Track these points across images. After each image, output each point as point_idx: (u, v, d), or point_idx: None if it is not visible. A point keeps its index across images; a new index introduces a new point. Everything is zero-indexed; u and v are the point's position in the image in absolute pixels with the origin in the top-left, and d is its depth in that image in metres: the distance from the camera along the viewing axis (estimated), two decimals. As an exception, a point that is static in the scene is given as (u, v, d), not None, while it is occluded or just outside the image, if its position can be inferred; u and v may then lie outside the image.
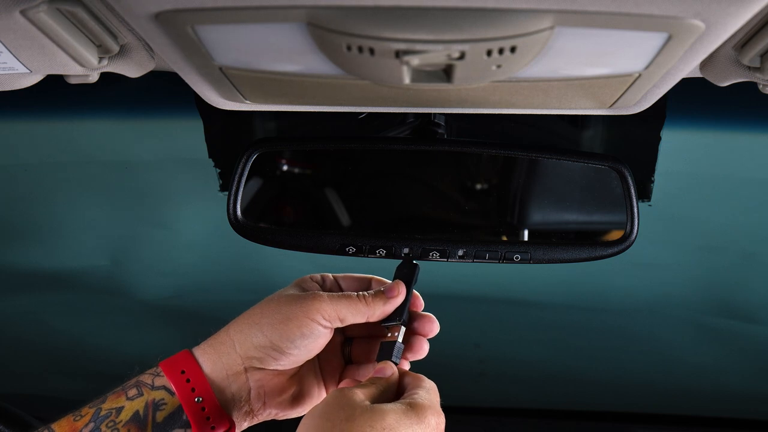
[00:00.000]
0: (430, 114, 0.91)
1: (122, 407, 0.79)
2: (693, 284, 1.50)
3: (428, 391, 0.76)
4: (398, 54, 0.51)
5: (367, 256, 0.88)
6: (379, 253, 0.88)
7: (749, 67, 0.65)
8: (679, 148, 1.20)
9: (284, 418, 0.86)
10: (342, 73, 0.59)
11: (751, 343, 1.63)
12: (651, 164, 1.22)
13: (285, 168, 0.95)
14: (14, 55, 0.64)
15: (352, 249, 0.88)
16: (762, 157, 1.24)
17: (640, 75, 0.62)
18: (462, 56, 0.52)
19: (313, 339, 0.81)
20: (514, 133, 1.14)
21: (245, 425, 0.84)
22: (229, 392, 0.81)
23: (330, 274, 0.89)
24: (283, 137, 1.12)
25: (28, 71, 0.68)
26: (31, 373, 1.93)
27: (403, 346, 0.84)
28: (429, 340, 0.87)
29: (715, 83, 0.71)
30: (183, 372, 0.80)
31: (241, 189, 0.89)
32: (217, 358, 0.81)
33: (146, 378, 0.81)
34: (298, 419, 0.75)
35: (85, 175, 1.39)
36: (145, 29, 0.55)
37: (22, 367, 1.91)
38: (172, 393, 0.80)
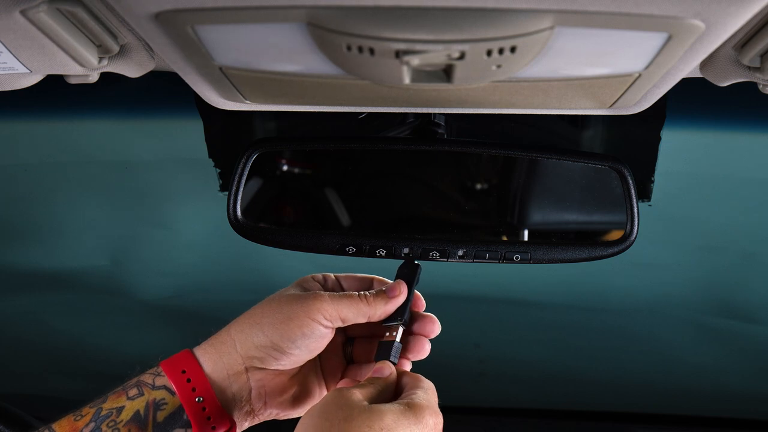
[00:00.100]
0: (430, 114, 0.91)
1: (123, 407, 0.79)
2: (693, 284, 1.50)
3: (426, 391, 0.76)
4: (398, 54, 0.51)
5: (367, 256, 0.88)
6: (379, 253, 0.88)
7: (749, 67, 0.64)
8: (679, 148, 1.20)
9: (285, 417, 0.86)
10: (342, 73, 0.59)
11: (751, 343, 1.63)
12: (651, 164, 1.22)
13: (285, 168, 0.95)
14: (14, 55, 0.64)
15: (352, 249, 0.88)
16: (762, 157, 1.24)
17: (640, 75, 0.62)
18: (462, 56, 0.52)
19: (315, 339, 0.81)
20: (514, 133, 1.14)
21: (246, 425, 0.84)
22: (230, 392, 0.81)
23: (332, 274, 0.89)
24: (283, 137, 1.12)
25: (28, 71, 0.68)
26: (31, 373, 1.92)
27: (401, 345, 0.84)
28: (429, 340, 0.87)
29: (715, 83, 0.71)
30: (184, 372, 0.80)
31: (241, 189, 0.89)
32: (218, 358, 0.81)
33: (147, 378, 0.81)
34: (298, 419, 0.75)
35: (85, 175, 1.39)
36: (145, 29, 0.55)
37: (22, 367, 1.91)
38: (172, 393, 0.80)
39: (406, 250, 0.88)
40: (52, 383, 1.92)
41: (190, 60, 0.62)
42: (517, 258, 0.87)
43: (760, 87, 0.70)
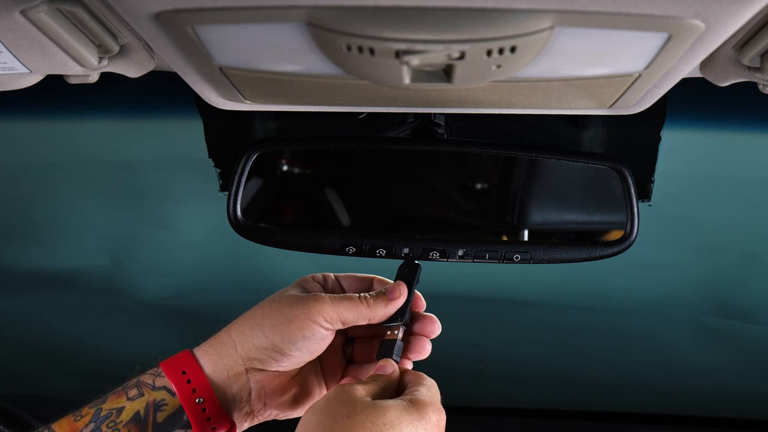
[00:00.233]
0: (430, 114, 0.91)
1: (123, 407, 0.79)
2: (693, 284, 1.50)
3: (429, 389, 0.76)
4: (398, 54, 0.51)
5: (367, 256, 0.88)
6: (379, 253, 0.88)
7: (749, 67, 0.64)
8: (679, 148, 1.20)
9: (285, 418, 0.86)
10: (342, 73, 0.59)
11: (751, 343, 1.63)
12: (651, 164, 1.22)
13: (285, 168, 0.95)
14: (14, 55, 0.64)
15: (352, 249, 0.88)
16: (762, 157, 1.24)
17: (640, 75, 0.62)
18: (462, 56, 0.52)
19: (315, 341, 0.81)
20: (514, 133, 1.14)
21: (246, 426, 0.84)
22: (230, 393, 0.81)
23: (332, 274, 0.89)
24: (283, 137, 1.12)
25: (28, 71, 0.68)
26: (31, 373, 1.92)
27: (402, 344, 0.84)
28: (429, 340, 0.87)
29: (715, 83, 0.71)
30: (184, 372, 0.80)
31: (241, 189, 0.89)
32: (219, 359, 0.81)
33: (147, 378, 0.81)
34: (299, 419, 0.75)
35: (85, 175, 1.39)
36: (145, 29, 0.55)
37: (22, 367, 1.91)
38: (173, 393, 0.80)
39: (406, 250, 0.88)
40: (52, 383, 1.92)
41: (190, 60, 0.62)
42: (517, 258, 0.87)
43: (760, 87, 0.70)
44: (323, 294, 0.82)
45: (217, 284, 1.60)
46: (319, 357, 0.87)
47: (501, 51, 0.52)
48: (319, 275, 0.88)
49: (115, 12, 0.59)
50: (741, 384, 1.73)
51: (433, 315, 0.87)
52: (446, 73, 0.56)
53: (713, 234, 1.38)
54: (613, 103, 0.73)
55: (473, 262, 0.88)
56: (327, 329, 0.81)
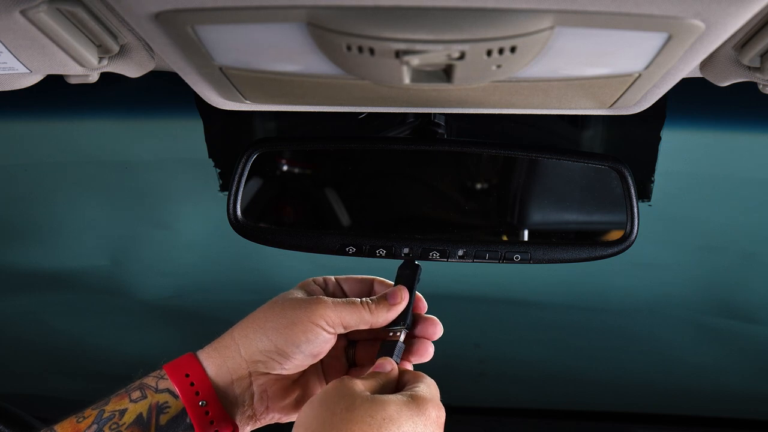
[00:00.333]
0: (430, 114, 0.91)
1: (125, 409, 0.79)
2: (693, 284, 1.50)
3: (429, 386, 0.76)
4: (398, 54, 0.51)
5: (367, 257, 0.88)
6: (379, 253, 0.88)
7: (749, 67, 0.64)
8: (679, 148, 1.20)
9: (287, 421, 0.86)
10: (342, 73, 0.59)
11: (751, 343, 1.63)
12: (651, 164, 1.22)
13: (285, 168, 0.95)
14: (14, 55, 0.64)
15: (352, 249, 0.88)
16: (762, 157, 1.24)
17: (640, 75, 0.62)
18: (462, 56, 0.52)
19: (318, 344, 0.81)
20: (514, 133, 1.14)
21: (248, 429, 0.84)
22: (233, 396, 0.81)
23: (332, 277, 0.89)
24: (283, 137, 1.12)
25: (28, 71, 0.68)
26: (31, 373, 1.92)
27: (404, 345, 0.84)
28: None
29: (715, 83, 0.71)
30: (187, 375, 0.80)
31: (241, 189, 0.89)
32: (222, 362, 0.81)
33: (150, 380, 0.81)
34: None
35: (85, 175, 1.39)
36: (145, 29, 0.55)
37: (22, 367, 1.91)
38: (176, 396, 0.80)
39: (406, 250, 0.88)
40: (52, 383, 1.92)
41: (190, 60, 0.62)
42: (517, 258, 0.87)
43: (760, 87, 0.70)
44: (325, 297, 0.82)
45: (217, 284, 1.60)
46: (321, 360, 0.87)
47: (501, 51, 0.52)
48: (320, 279, 0.88)
49: (115, 12, 0.59)
50: (741, 384, 1.73)
51: (435, 317, 0.87)
52: (446, 73, 0.56)
53: (713, 234, 1.38)
54: (613, 103, 0.73)
55: (473, 262, 0.88)
56: (329, 333, 0.81)
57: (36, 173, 1.39)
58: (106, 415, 0.78)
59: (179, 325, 1.72)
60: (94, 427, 0.78)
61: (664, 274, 1.48)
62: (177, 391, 0.80)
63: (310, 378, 0.87)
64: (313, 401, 0.72)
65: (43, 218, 1.47)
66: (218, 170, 1.29)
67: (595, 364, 1.77)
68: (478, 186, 0.93)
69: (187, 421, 0.79)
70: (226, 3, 0.50)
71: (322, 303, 0.81)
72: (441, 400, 0.77)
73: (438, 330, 0.86)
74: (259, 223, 0.92)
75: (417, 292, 0.87)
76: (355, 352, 0.90)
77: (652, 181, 1.24)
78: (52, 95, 1.23)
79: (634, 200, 0.87)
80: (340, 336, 0.86)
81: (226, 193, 0.92)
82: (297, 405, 0.85)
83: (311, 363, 0.83)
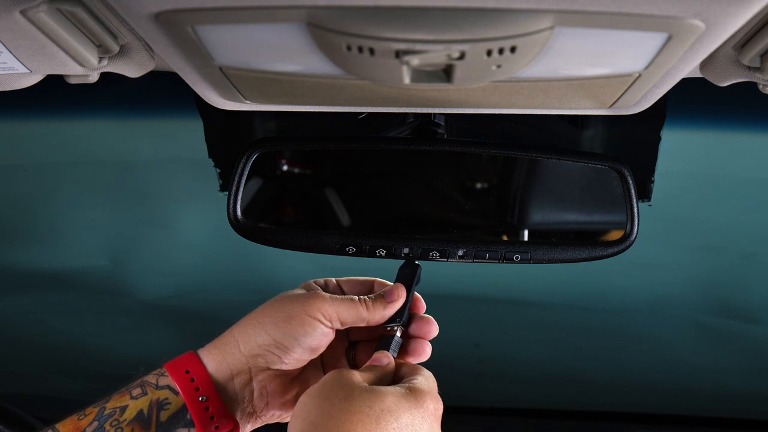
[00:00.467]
0: (430, 114, 0.91)
1: (126, 406, 0.79)
2: (693, 284, 1.50)
3: (427, 378, 0.77)
4: (398, 54, 0.51)
5: (367, 257, 0.88)
6: (379, 253, 0.88)
7: (749, 67, 0.64)
8: (679, 148, 1.20)
9: (288, 420, 0.86)
10: (342, 73, 0.59)
11: (751, 343, 1.63)
12: (651, 164, 1.22)
13: (285, 168, 0.95)
14: (14, 55, 0.64)
15: (352, 249, 0.88)
16: (762, 157, 1.24)
17: (640, 75, 0.62)
18: (462, 56, 0.52)
19: (316, 337, 0.81)
20: (514, 133, 1.14)
21: (249, 427, 0.84)
22: (233, 392, 0.82)
23: (333, 279, 0.89)
24: (283, 137, 1.12)
25: (28, 71, 0.68)
26: (31, 373, 1.93)
27: (401, 340, 0.84)
28: (429, 341, 0.87)
29: (715, 83, 0.71)
30: (187, 372, 0.81)
31: (241, 189, 0.89)
32: (222, 359, 0.82)
33: (150, 378, 0.81)
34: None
35: (85, 175, 1.39)
36: (145, 29, 0.55)
37: (22, 367, 1.91)
38: (176, 392, 0.80)
39: (406, 250, 0.88)
40: (52, 383, 1.92)
41: (190, 60, 0.62)
42: (517, 258, 0.87)
43: (760, 87, 0.70)
44: (323, 292, 0.83)
45: (217, 284, 1.61)
46: (322, 360, 0.87)
47: (501, 51, 0.52)
48: (321, 280, 0.88)
49: (115, 12, 0.59)
50: (741, 384, 1.73)
51: (430, 316, 0.87)
52: (446, 73, 0.56)
53: (713, 234, 1.38)
54: (613, 103, 0.73)
55: (473, 262, 0.88)
56: (326, 326, 0.81)
57: (36, 173, 1.39)
58: (107, 412, 0.79)
59: (179, 325, 1.72)
60: (95, 423, 0.78)
61: (664, 274, 1.48)
62: (177, 387, 0.80)
63: (310, 377, 0.87)
64: (311, 391, 0.72)
65: (43, 218, 1.47)
66: (218, 170, 1.29)
67: (595, 364, 1.77)
68: (478, 186, 0.93)
69: (188, 417, 0.80)
70: (226, 3, 0.50)
71: (319, 297, 0.81)
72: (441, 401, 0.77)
73: (433, 329, 0.86)
74: (259, 223, 0.92)
75: (416, 292, 0.87)
76: (355, 353, 0.90)
77: (652, 181, 1.24)
78: (52, 95, 1.23)
79: (634, 200, 0.87)
80: (340, 337, 0.86)
81: (226, 193, 0.92)
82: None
83: (310, 357, 0.83)
